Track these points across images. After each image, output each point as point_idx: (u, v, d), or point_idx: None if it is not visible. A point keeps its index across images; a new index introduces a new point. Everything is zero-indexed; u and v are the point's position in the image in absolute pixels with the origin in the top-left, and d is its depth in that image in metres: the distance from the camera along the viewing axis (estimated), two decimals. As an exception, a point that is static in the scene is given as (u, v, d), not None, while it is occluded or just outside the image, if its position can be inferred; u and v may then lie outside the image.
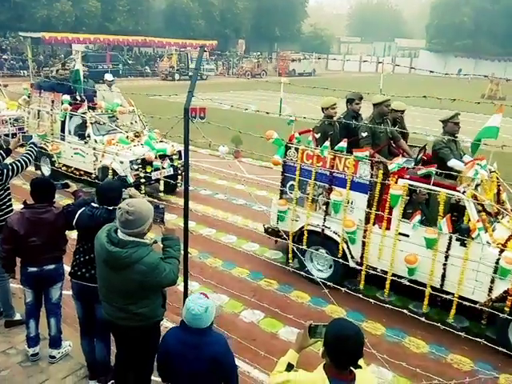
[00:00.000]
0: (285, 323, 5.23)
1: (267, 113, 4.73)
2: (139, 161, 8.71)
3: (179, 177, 9.40)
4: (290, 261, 6.47)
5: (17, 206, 5.52)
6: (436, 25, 59.77)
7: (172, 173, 9.29)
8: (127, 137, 9.32)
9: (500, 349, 3.60)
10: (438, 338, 5.06)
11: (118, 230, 3.07)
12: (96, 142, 9.14)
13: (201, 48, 3.90)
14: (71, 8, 42.46)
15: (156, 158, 8.91)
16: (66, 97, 9.59)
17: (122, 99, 10.15)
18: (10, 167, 4.56)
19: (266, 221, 6.95)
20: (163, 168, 9.04)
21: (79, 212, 3.69)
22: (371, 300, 4.16)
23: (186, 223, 3.98)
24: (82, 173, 9.29)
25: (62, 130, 9.76)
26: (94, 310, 3.73)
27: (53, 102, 9.87)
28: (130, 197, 3.67)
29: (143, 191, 8.57)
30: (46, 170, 10.20)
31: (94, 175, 9.07)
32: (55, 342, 4.32)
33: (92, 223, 3.49)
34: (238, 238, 7.61)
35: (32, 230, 3.93)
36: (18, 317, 4.80)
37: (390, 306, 4.13)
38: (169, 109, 13.01)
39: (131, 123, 10.05)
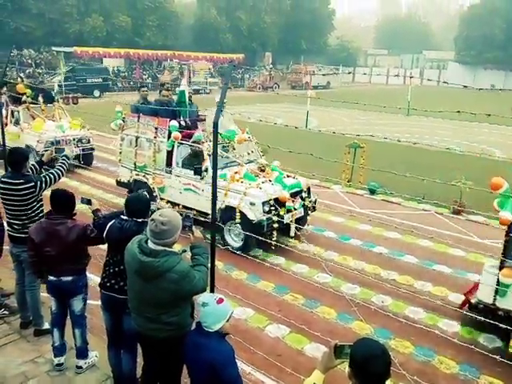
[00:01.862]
0: (311, 339, 5.16)
1: (296, 127, 4.69)
2: (272, 202, 7.26)
3: (308, 218, 8.11)
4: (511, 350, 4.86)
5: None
6: (465, 36, 58.97)
7: (302, 214, 7.81)
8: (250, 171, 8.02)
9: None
10: (468, 358, 4.91)
11: (149, 241, 3.13)
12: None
13: (229, 64, 3.94)
14: (102, 23, 43.75)
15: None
16: (175, 123, 8.22)
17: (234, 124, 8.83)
18: (43, 179, 4.67)
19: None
20: (295, 209, 7.53)
21: (109, 224, 3.75)
22: (402, 319, 4.05)
23: (213, 235, 3.99)
24: (195, 212, 7.62)
25: (169, 162, 8.36)
26: (122, 321, 3.77)
27: (156, 128, 8.48)
28: (158, 209, 3.72)
29: (275, 238, 7.13)
30: None
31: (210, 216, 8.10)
32: (81, 353, 4.37)
33: (122, 235, 3.54)
34: (264, 252, 7.56)
35: (46, 240, 4.02)
36: (46, 326, 4.87)
37: (421, 326, 4.00)
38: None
39: (248, 153, 8.61)
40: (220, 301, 2.94)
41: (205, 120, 8.78)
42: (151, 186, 8.56)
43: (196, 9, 54.83)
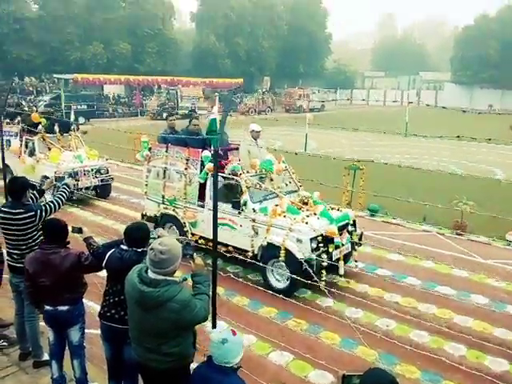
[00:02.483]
0: (315, 366, 5.06)
1: (296, 153, 4.70)
2: (320, 238, 6.66)
3: (355, 253, 7.44)
4: None
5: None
6: (460, 57, 59.84)
7: (349, 249, 7.24)
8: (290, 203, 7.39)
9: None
10: (475, 383, 4.81)
11: (149, 270, 3.10)
12: (255, 211, 7.12)
13: (230, 91, 3.98)
14: (103, 50, 44.50)
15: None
16: (208, 153, 7.65)
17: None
18: (44, 208, 4.67)
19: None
20: (342, 245, 6.92)
21: (109, 254, 3.73)
22: (406, 346, 3.98)
23: (214, 262, 3.95)
24: (230, 249, 7.29)
25: (201, 195, 7.77)
26: (123, 351, 3.71)
27: (187, 159, 7.92)
28: (159, 237, 3.70)
29: (324, 278, 6.52)
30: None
31: (250, 253, 7.09)
32: (81, 384, 4.29)
33: (121, 265, 3.51)
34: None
35: (40, 270, 3.99)
36: (46, 357, 4.79)
37: (427, 353, 3.92)
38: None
39: (286, 184, 8.05)
40: (234, 333, 2.93)
41: (237, 149, 8.32)
42: (182, 221, 8.03)
43: (195, 35, 55.80)
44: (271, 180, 7.72)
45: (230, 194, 7.40)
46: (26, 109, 15.21)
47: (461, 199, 9.37)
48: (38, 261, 4.02)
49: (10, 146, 11.97)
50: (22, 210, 4.57)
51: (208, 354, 2.94)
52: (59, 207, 4.83)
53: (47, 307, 4.10)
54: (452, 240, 9.23)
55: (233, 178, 7.36)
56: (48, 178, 10.62)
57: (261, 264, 6.53)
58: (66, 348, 4.29)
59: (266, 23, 56.86)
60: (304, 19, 60.07)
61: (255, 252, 7.10)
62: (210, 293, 3.39)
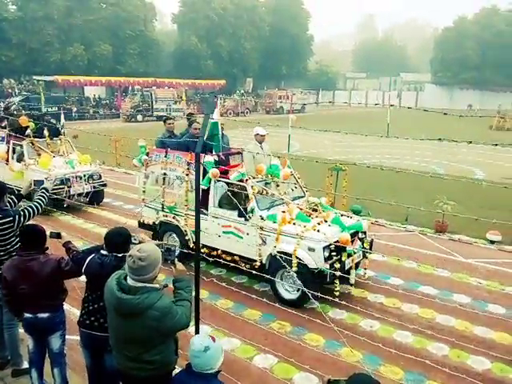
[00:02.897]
0: (299, 369, 5.05)
1: (279, 157, 4.68)
2: (333, 246, 6.32)
3: (366, 261, 7.21)
4: None
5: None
6: (440, 58, 60.79)
7: (361, 258, 7.02)
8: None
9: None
10: (458, 382, 4.85)
11: (128, 277, 3.03)
12: (262, 218, 6.81)
13: (210, 94, 3.94)
14: (83, 52, 44.04)
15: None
16: (210, 158, 7.29)
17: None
18: (22, 213, 4.57)
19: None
20: (354, 253, 6.68)
21: (88, 259, 3.65)
22: (390, 349, 3.98)
23: (197, 265, 3.91)
24: (235, 258, 6.99)
25: (204, 202, 7.23)
26: (103, 359, 3.64)
27: (189, 164, 7.51)
28: (140, 242, 3.64)
29: (338, 288, 6.33)
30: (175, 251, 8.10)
31: (258, 263, 6.79)
32: (62, 393, 4.20)
33: (101, 271, 3.44)
34: (249, 278, 7.48)
35: (19, 278, 3.90)
36: (25, 365, 4.68)
37: (408, 355, 3.93)
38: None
39: (292, 189, 7.69)
40: (213, 339, 2.91)
41: (238, 153, 8.00)
42: (183, 229, 7.68)
43: (177, 37, 55.63)
44: (277, 186, 7.40)
45: (235, 200, 7.02)
46: (15, 112, 14.20)
47: (442, 199, 9.47)
48: (16, 268, 3.93)
49: None
50: (-1, 216, 4.46)
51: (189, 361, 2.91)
52: (38, 212, 4.73)
53: (27, 315, 4.00)
54: (434, 240, 9.32)
55: (238, 185, 6.99)
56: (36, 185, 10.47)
57: (265, 274, 6.30)
58: (47, 356, 4.21)
59: (247, 24, 57.01)
60: (286, 21, 60.39)
61: (263, 261, 6.77)
62: (193, 298, 3.33)
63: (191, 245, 7.27)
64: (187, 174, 7.53)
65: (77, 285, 5.00)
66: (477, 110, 42.51)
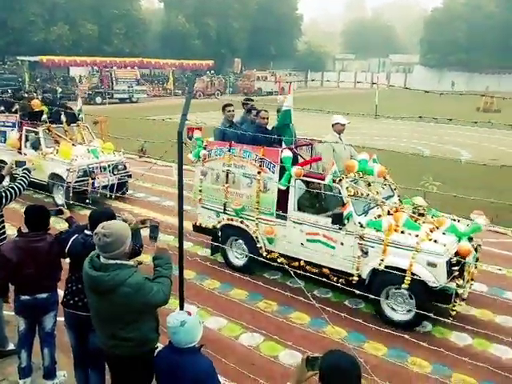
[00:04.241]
0: (285, 346, 5.13)
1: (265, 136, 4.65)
2: (454, 260, 5.37)
3: (474, 270, 5.93)
4: None
5: (12, 232, 5.48)
6: (429, 40, 60.53)
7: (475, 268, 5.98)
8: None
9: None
10: (441, 357, 4.95)
11: (100, 255, 3.05)
12: (362, 226, 5.81)
13: (193, 72, 3.89)
14: (68, 31, 43.20)
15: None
16: (289, 153, 6.36)
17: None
18: (4, 194, 4.52)
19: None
20: (475, 266, 5.87)
21: (72, 239, 3.65)
22: (371, 326, 4.04)
23: (181, 245, 3.91)
24: (325, 271, 6.08)
25: (282, 204, 6.41)
26: (87, 339, 3.66)
27: (261, 160, 6.51)
28: (124, 221, 3.63)
29: (457, 308, 5.54)
30: (237, 260, 7.15)
31: (356, 277, 5.84)
32: (49, 373, 4.23)
33: (84, 251, 3.42)
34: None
35: (26, 259, 3.88)
36: (11, 347, 4.69)
37: (390, 331, 3.99)
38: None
39: (382, 188, 6.59)
40: (190, 313, 2.93)
41: (308, 145, 7.23)
42: (253, 235, 6.74)
43: (163, 16, 54.67)
44: (369, 185, 6.36)
45: (322, 203, 6.30)
46: (26, 95, 13.05)
47: (428, 180, 9.53)
48: (22, 249, 3.90)
49: (5, 139, 10.75)
50: (-20, 197, 4.40)
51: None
52: (20, 193, 4.67)
53: (24, 297, 3.99)
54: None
55: (324, 184, 6.11)
56: (58, 175, 9.56)
57: (359, 289, 5.37)
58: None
59: (235, 3, 56.16)
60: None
61: (363, 276, 5.81)
62: (174, 275, 3.34)
63: (264, 253, 6.60)
64: (259, 172, 6.51)
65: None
66: (464, 91, 42.62)
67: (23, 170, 4.95)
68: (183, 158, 3.55)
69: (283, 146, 6.65)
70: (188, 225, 7.93)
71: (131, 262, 3.10)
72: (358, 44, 77.79)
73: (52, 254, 3.92)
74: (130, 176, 10.60)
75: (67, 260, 3.94)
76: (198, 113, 29.61)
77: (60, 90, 31.00)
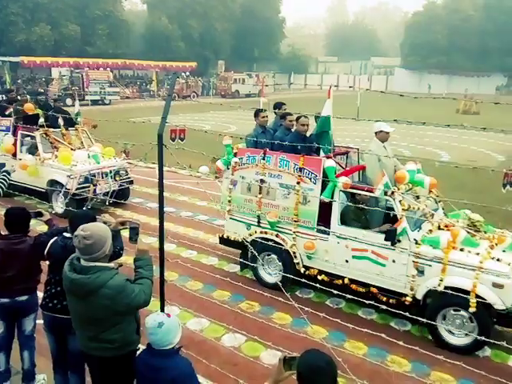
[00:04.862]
0: (266, 346, 5.16)
1: (240, 138, 4.71)
2: None
3: None
4: None
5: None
6: (410, 43, 61.33)
7: None
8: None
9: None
10: (419, 356, 5.02)
11: (80, 258, 3.04)
12: (417, 243, 5.44)
13: (173, 74, 3.91)
14: (50, 32, 42.63)
15: None
16: (333, 163, 5.99)
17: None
18: (-18, 197, 4.48)
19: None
20: None
21: (51, 242, 3.63)
22: (349, 325, 4.11)
23: (161, 247, 3.92)
24: (372, 290, 5.69)
25: (325, 218, 6.06)
26: (67, 341, 3.64)
27: (301, 170, 6.10)
28: (105, 223, 3.62)
29: None
30: (269, 276, 6.70)
31: (409, 298, 5.48)
32: (28, 376, 4.20)
33: (64, 254, 3.40)
34: (219, 260, 7.54)
35: (6, 262, 3.86)
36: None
37: (369, 330, 4.05)
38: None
39: (429, 200, 6.21)
40: (169, 315, 2.95)
41: (344, 154, 6.93)
42: (290, 250, 6.31)
43: (147, 17, 54.38)
44: (417, 198, 5.98)
45: (368, 217, 5.96)
46: (19, 98, 12.30)
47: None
48: (3, 252, 3.86)
49: None
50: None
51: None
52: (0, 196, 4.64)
53: (3, 300, 3.95)
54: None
55: (373, 197, 5.73)
56: (57, 182, 9.18)
57: (409, 310, 4.92)
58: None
59: (219, 5, 56.09)
60: (257, 2, 59.74)
61: (417, 297, 5.45)
62: (154, 276, 3.35)
63: (301, 269, 6.24)
64: (298, 183, 6.12)
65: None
66: (444, 94, 43.24)
67: (2, 172, 4.91)
68: (163, 160, 3.58)
69: (321, 154, 6.35)
70: (206, 236, 8.07)
71: (112, 264, 3.11)
72: (341, 47, 78.47)
73: (32, 257, 3.90)
74: (131, 182, 10.27)
75: (46, 262, 3.92)
76: (212, 112, 29.57)
77: (42, 90, 30.46)
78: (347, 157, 7.04)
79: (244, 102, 22.22)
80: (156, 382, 2.83)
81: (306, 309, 4.04)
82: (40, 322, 4.31)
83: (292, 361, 2.37)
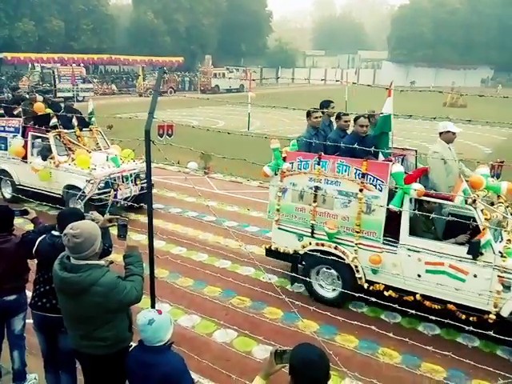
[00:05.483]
0: (258, 341, 5.18)
1: (228, 133, 4.71)
2: None
3: None
4: None
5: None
6: (397, 36, 61.64)
7: None
8: None
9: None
10: (410, 347, 5.07)
11: (70, 256, 3.02)
12: (503, 256, 4.96)
13: (160, 69, 3.87)
14: (34, 28, 42.05)
15: None
16: (401, 169, 5.47)
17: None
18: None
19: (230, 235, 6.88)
20: None
21: (39, 240, 3.58)
22: (339, 317, 4.13)
23: (151, 243, 3.90)
24: (450, 307, 5.17)
25: (393, 228, 5.53)
26: (57, 340, 3.62)
27: (363, 176, 5.52)
28: (93, 221, 3.59)
29: None
30: (325, 291, 6.16)
31: (493, 316, 4.97)
32: (19, 376, 4.17)
33: (53, 252, 3.36)
34: (209, 256, 7.53)
35: None
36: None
37: (360, 323, 4.07)
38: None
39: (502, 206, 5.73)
40: (160, 312, 2.93)
41: (401, 155, 6.48)
42: (352, 264, 5.74)
43: (132, 12, 53.86)
44: (492, 204, 5.56)
45: (432, 225, 5.54)
46: (27, 96, 11.59)
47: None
48: None
49: (6, 146, 9.70)
50: None
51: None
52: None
53: None
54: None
55: (439, 204, 5.31)
56: (75, 187, 8.55)
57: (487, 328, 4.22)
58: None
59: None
60: (244, -4, 59.52)
61: (503, 314, 4.94)
62: (144, 273, 3.33)
63: (364, 284, 5.69)
64: (361, 190, 5.56)
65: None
66: (425, 84, 43.54)
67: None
68: (151, 156, 3.56)
69: (380, 157, 5.89)
70: (195, 232, 7.92)
71: (102, 262, 3.09)
72: (328, 41, 78.56)
73: (18, 256, 3.85)
74: (152, 185, 9.72)
75: (35, 260, 3.88)
76: (200, 107, 29.29)
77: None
78: (403, 159, 6.59)
79: (232, 97, 22.16)
80: (147, 378, 2.82)
81: (297, 303, 4.03)
82: (30, 321, 4.28)
83: (283, 354, 2.38)
